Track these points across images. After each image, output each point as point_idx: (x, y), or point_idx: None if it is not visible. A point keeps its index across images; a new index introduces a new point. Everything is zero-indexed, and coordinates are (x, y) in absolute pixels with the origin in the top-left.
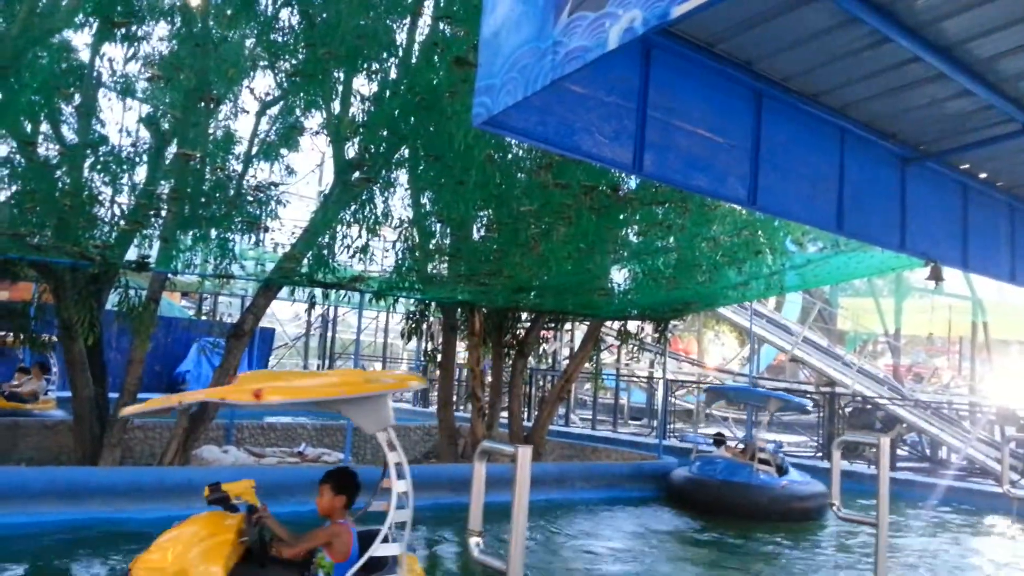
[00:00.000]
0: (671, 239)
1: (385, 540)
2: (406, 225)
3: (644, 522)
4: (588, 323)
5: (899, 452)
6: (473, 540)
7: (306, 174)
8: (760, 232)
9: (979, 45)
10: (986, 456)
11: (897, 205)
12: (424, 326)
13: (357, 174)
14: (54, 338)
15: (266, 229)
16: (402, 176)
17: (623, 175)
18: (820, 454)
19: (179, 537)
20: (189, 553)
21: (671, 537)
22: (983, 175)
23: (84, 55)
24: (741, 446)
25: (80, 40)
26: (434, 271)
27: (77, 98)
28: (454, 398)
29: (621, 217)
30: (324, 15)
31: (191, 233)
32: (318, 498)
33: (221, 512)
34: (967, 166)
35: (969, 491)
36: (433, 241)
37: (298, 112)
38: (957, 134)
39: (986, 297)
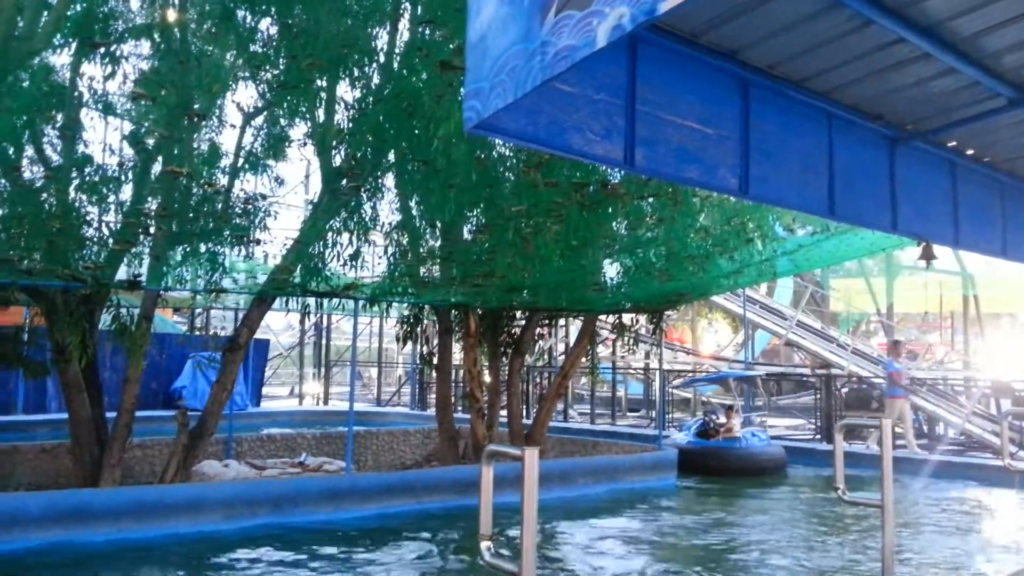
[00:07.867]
0: (661, 231)
1: None
2: (396, 230)
3: (646, 512)
4: (583, 318)
5: (896, 430)
6: (484, 544)
7: (295, 185)
8: (749, 219)
9: (962, 23)
10: (982, 430)
11: (887, 186)
12: (419, 329)
13: (345, 182)
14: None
15: (256, 241)
16: (390, 181)
17: (611, 170)
18: (819, 436)
19: None
20: None
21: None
22: (970, 151)
23: (65, 75)
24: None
25: (60, 61)
26: (427, 275)
27: (60, 119)
28: (452, 399)
29: (611, 211)
30: (303, 24)
31: (181, 249)
32: None
33: None
34: (955, 144)
35: (968, 465)
36: (424, 245)
37: (283, 122)
38: (944, 112)
39: (976, 271)
